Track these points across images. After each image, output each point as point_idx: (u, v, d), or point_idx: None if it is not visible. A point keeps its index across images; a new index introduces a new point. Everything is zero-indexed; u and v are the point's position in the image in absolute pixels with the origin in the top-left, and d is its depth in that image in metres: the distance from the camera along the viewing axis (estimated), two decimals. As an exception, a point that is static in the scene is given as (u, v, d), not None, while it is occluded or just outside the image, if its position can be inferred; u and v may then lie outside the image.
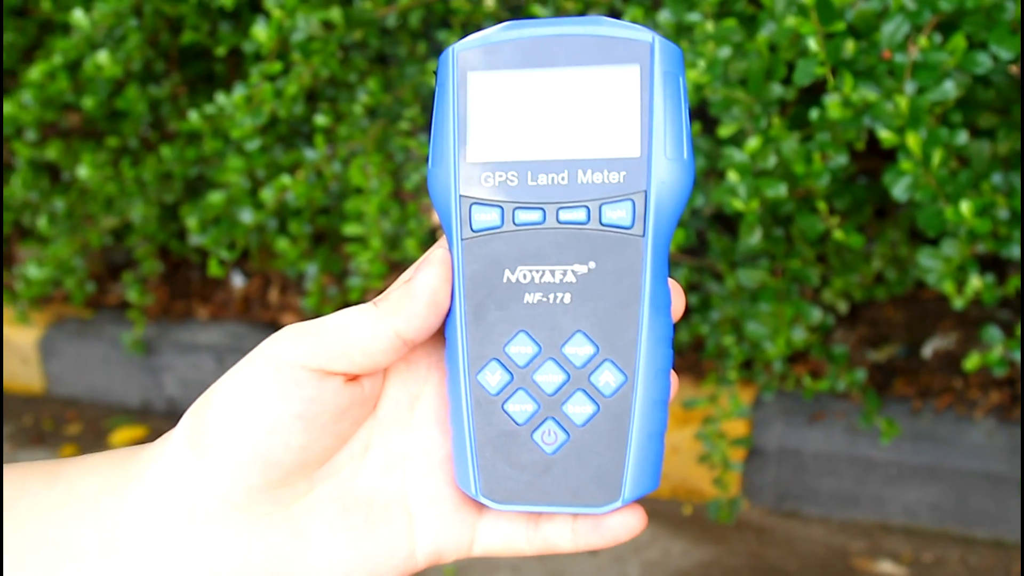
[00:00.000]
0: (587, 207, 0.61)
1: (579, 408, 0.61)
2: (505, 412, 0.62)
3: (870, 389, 2.06)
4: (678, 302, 0.63)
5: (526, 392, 0.62)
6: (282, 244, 2.16)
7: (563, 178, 0.61)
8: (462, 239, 0.62)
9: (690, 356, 2.36)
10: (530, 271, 0.62)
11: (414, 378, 0.65)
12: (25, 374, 2.87)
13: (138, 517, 0.60)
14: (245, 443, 0.59)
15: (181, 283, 2.93)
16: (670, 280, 0.62)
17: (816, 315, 1.89)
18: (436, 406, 0.65)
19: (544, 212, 0.61)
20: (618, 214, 0.60)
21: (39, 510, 0.61)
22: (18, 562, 0.60)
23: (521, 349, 0.62)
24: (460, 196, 0.62)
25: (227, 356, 2.63)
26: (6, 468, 0.64)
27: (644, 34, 0.61)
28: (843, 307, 2.08)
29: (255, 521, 0.60)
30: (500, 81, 0.62)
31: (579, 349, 0.61)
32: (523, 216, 0.62)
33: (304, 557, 0.61)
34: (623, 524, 0.62)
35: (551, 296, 0.62)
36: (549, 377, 0.62)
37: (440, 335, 0.65)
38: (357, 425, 0.63)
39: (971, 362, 1.72)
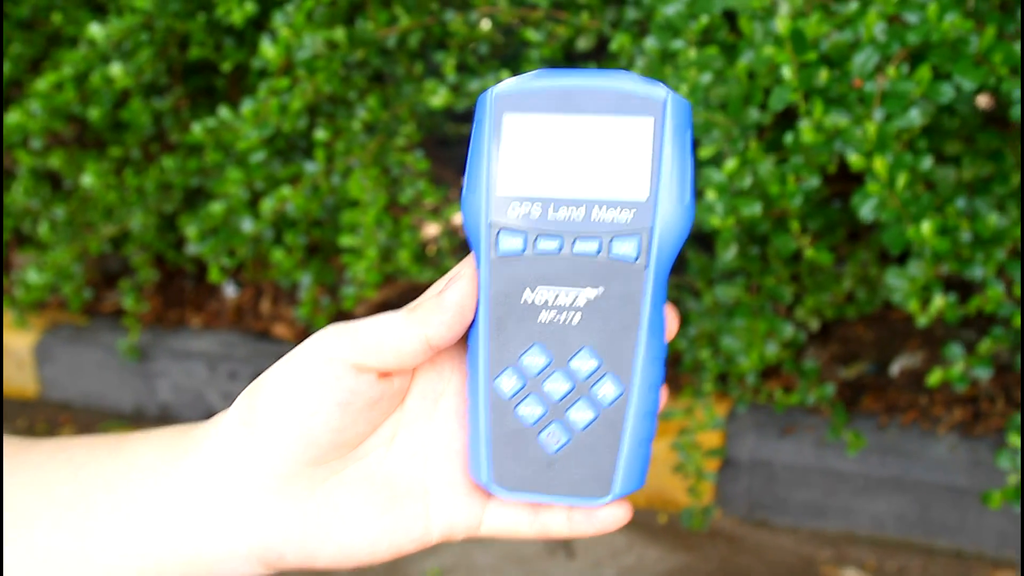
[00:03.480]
0: (599, 240, 0.69)
1: (581, 414, 0.70)
2: (516, 414, 0.70)
3: (838, 403, 2.14)
4: (672, 326, 0.71)
5: (536, 397, 0.70)
6: (277, 254, 2.23)
7: (580, 213, 0.69)
8: (489, 260, 0.70)
9: (667, 370, 2.43)
10: (546, 292, 0.70)
11: (438, 378, 0.74)
12: (20, 378, 2.92)
13: (194, 485, 0.69)
14: (291, 423, 0.68)
15: (175, 292, 2.99)
16: (667, 306, 0.70)
17: (788, 331, 1.98)
18: (456, 403, 0.73)
19: (562, 242, 0.69)
20: (625, 248, 0.68)
21: (103, 478, 0.70)
22: (89, 523, 0.69)
23: (534, 360, 0.70)
24: (489, 223, 0.70)
25: (219, 364, 2.69)
26: (74, 439, 0.74)
27: (659, 91, 0.69)
28: (815, 324, 2.16)
29: (295, 492, 0.69)
30: (531, 123, 0.70)
31: (584, 363, 0.69)
32: (543, 244, 0.69)
33: (335, 526, 0.70)
34: (612, 516, 0.71)
35: (563, 315, 0.69)
36: (557, 385, 0.70)
37: (463, 342, 0.73)
38: (387, 415, 0.72)
39: (933, 377, 1.81)
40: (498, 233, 0.70)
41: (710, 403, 2.13)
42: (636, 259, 0.69)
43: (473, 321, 0.71)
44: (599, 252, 0.69)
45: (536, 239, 0.70)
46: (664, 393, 0.72)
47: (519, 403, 0.71)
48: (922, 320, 1.73)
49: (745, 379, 2.19)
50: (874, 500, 2.20)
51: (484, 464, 0.71)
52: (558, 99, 0.70)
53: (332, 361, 0.68)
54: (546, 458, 0.71)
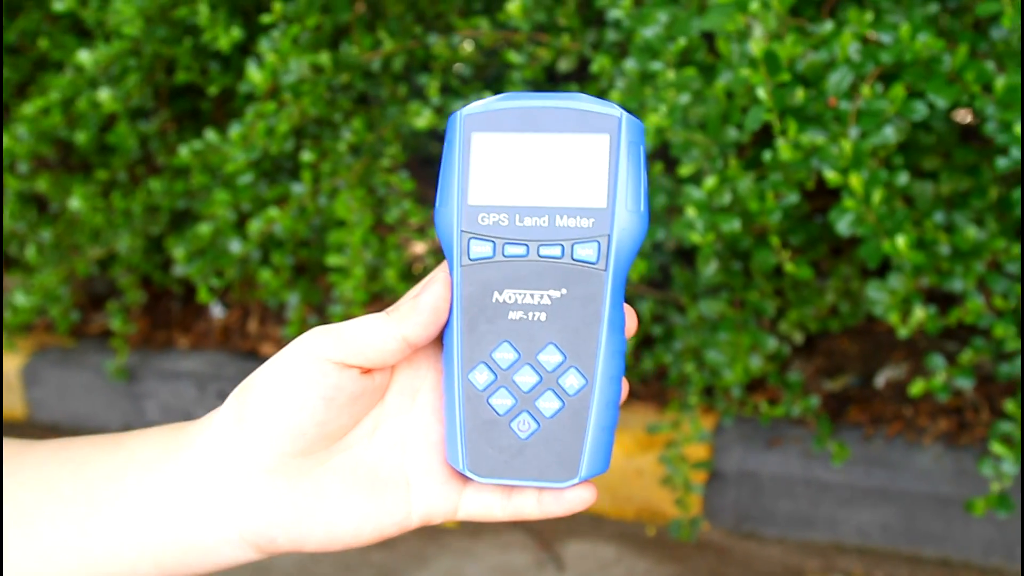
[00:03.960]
0: (562, 245, 0.76)
1: (548, 404, 0.76)
2: (489, 405, 0.77)
3: (823, 415, 2.19)
4: (631, 323, 0.79)
5: (507, 389, 0.77)
6: (265, 275, 2.27)
7: (544, 221, 0.76)
8: (461, 265, 0.77)
9: (654, 384, 2.48)
10: (514, 294, 0.77)
11: (415, 375, 0.81)
12: (8, 400, 2.96)
13: (191, 477, 0.76)
14: (280, 417, 0.74)
15: (162, 313, 3.03)
16: (625, 305, 0.78)
17: (772, 344, 2.03)
18: (432, 398, 0.80)
19: (528, 247, 0.76)
20: (586, 252, 0.75)
21: (104, 473, 0.77)
22: (91, 515, 0.75)
23: (504, 355, 0.77)
24: (461, 231, 0.77)
25: (207, 384, 2.73)
26: (74, 439, 0.80)
27: (614, 110, 0.76)
28: (799, 337, 2.20)
29: (285, 481, 0.75)
30: (497, 141, 0.77)
31: (551, 357, 0.76)
32: (511, 250, 0.76)
33: (322, 512, 0.76)
34: (579, 497, 0.77)
35: (530, 314, 0.77)
36: (526, 378, 0.77)
37: (438, 341, 0.80)
38: (368, 409, 0.78)
39: (916, 388, 1.86)
40: (469, 240, 0.77)
41: (696, 416, 2.18)
42: (596, 262, 0.76)
43: (447, 321, 0.77)
44: (562, 256, 0.76)
45: (504, 245, 0.77)
46: (625, 384, 0.79)
47: (491, 395, 0.77)
48: (903, 332, 1.78)
49: (731, 392, 2.24)
50: (860, 510, 2.24)
51: (460, 451, 0.77)
52: (522, 119, 0.77)
53: (317, 359, 0.74)
54: (517, 445, 0.77)
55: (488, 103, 0.78)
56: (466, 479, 0.80)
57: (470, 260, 0.77)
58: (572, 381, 0.77)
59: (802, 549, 2.27)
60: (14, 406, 2.98)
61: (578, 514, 2.40)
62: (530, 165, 0.77)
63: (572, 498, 0.78)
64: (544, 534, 2.37)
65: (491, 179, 0.78)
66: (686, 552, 2.30)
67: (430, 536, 2.38)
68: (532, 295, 0.77)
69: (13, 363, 2.94)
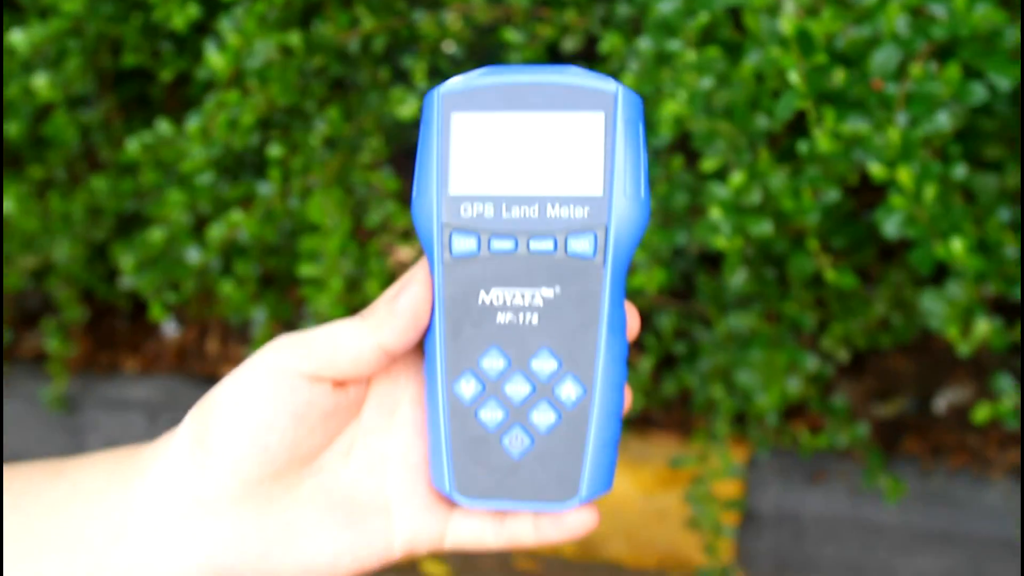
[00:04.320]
0: (555, 238, 0.79)
1: (543, 417, 0.80)
2: (477, 419, 0.81)
3: (873, 445, 2.22)
4: (633, 323, 0.83)
5: (497, 401, 0.80)
6: (227, 287, 2.30)
7: (534, 211, 0.80)
8: (442, 263, 0.80)
9: (677, 410, 2.51)
10: (503, 293, 0.80)
11: (394, 387, 0.85)
12: (-73, 435, 3.00)
13: (145, 509, 0.79)
14: (245, 438, 0.77)
15: (107, 332, 3.06)
16: (627, 303, 0.81)
17: (812, 363, 2.06)
18: (413, 414, 0.84)
19: (516, 241, 0.80)
20: (582, 245, 0.79)
21: (45, 504, 0.80)
22: (28, 555, 0.78)
23: (493, 363, 0.80)
24: (442, 224, 0.80)
25: (160, 413, 2.76)
26: (9, 466, 0.83)
27: (609, 84, 0.80)
28: (843, 355, 2.22)
29: (251, 511, 0.78)
30: (480, 122, 0.81)
31: (544, 364, 0.80)
32: (498, 244, 0.80)
33: (293, 544, 0.79)
34: (579, 521, 0.81)
35: (521, 316, 0.80)
36: (517, 388, 0.80)
37: (419, 349, 0.84)
38: (343, 427, 0.82)
39: (980, 414, 1.88)
40: (451, 234, 0.80)
41: (726, 448, 2.19)
42: (593, 256, 0.79)
43: (429, 326, 0.81)
44: (555, 250, 0.80)
45: (490, 239, 0.80)
46: (628, 393, 0.83)
47: (479, 408, 0.81)
48: (963, 348, 1.80)
49: (766, 420, 2.25)
50: (919, 556, 2.27)
51: (446, 472, 0.81)
52: (506, 97, 0.81)
53: (285, 372, 0.78)
54: (510, 464, 0.81)
55: (468, 79, 0.81)
56: (453, 503, 0.83)
57: (452, 257, 0.80)
58: (569, 391, 0.80)
59: (851, 601, 2.30)
60: None
61: (591, 563, 2.44)
62: (517, 149, 0.81)
63: (572, 522, 0.81)
64: (552, 586, 2.40)
65: (474, 165, 0.81)
66: (716, 605, 2.32)
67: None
68: (522, 295, 0.80)
69: (-66, 391, 2.96)
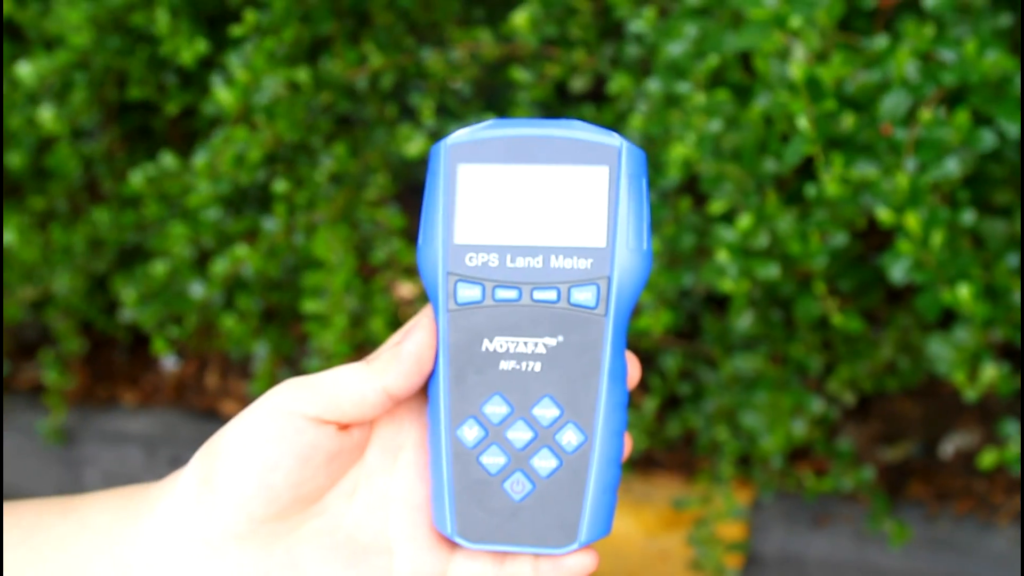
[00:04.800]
0: (558, 288, 0.82)
1: (544, 462, 0.83)
2: (479, 463, 0.83)
3: (879, 489, 2.23)
4: (634, 372, 0.86)
5: (499, 447, 0.83)
6: (228, 322, 2.31)
7: (538, 262, 0.82)
8: (447, 310, 0.83)
9: (681, 451, 2.51)
10: (506, 341, 0.83)
11: (398, 431, 0.87)
12: (-78, 466, 3.00)
13: (151, 547, 0.81)
14: (251, 478, 0.80)
15: (105, 365, 3.07)
16: (628, 353, 0.84)
17: (818, 406, 2.07)
18: (416, 456, 0.87)
19: (520, 291, 0.83)
20: (584, 296, 0.82)
21: (54, 540, 0.82)
22: None
23: (496, 409, 0.83)
24: (447, 273, 0.83)
25: (158, 448, 2.75)
26: (20, 503, 0.85)
27: (614, 139, 0.82)
28: (849, 398, 2.24)
29: (256, 550, 0.81)
30: (486, 173, 0.83)
31: (546, 411, 0.82)
32: (502, 293, 0.83)
33: None
34: (579, 564, 0.83)
35: (524, 364, 0.83)
36: (519, 434, 0.83)
37: (422, 394, 0.86)
38: (347, 468, 0.85)
39: (986, 459, 1.89)
40: (456, 283, 0.83)
41: (730, 490, 2.21)
42: (595, 307, 0.82)
43: (433, 371, 0.84)
44: (558, 300, 0.82)
45: (494, 288, 0.83)
46: (628, 440, 0.86)
47: (482, 452, 0.83)
48: (970, 394, 1.82)
49: (770, 462, 2.27)
50: None
51: (448, 515, 0.83)
52: (512, 149, 0.83)
53: (291, 415, 0.80)
54: (511, 507, 0.83)
55: (475, 131, 0.84)
56: (455, 545, 0.85)
57: (457, 304, 0.83)
58: (570, 437, 0.82)
59: (854, 646, 2.30)
60: None
61: None
62: (522, 200, 0.83)
63: (572, 565, 0.84)
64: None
65: (479, 215, 0.83)
66: (718, 649, 2.33)
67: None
68: (525, 343, 0.83)
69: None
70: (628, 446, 0.86)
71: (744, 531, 2.36)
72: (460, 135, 0.84)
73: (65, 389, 2.84)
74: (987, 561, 2.24)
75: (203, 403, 2.93)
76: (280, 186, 2.19)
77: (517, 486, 0.82)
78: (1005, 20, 1.77)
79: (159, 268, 2.29)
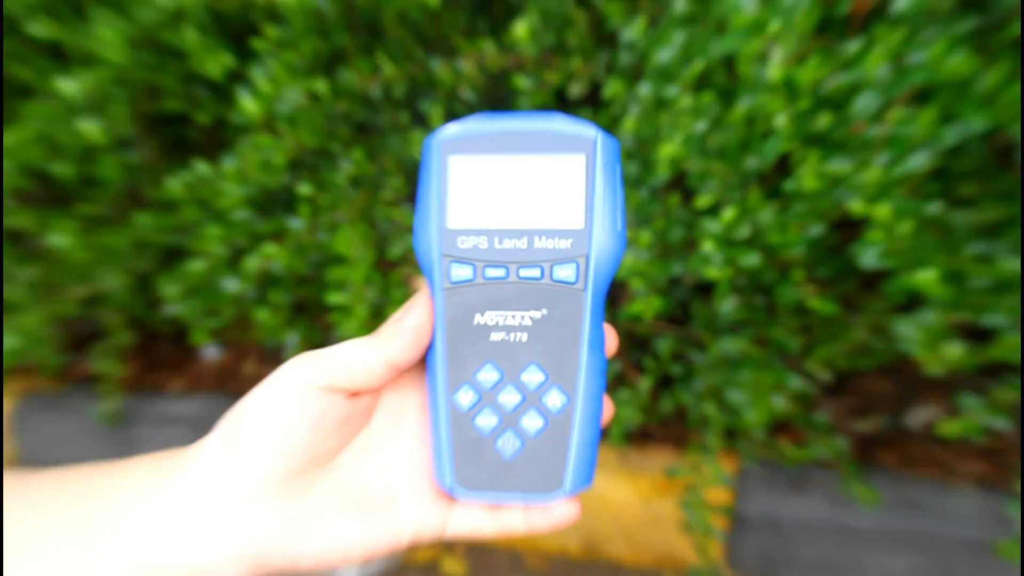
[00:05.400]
0: (541, 266, 0.81)
1: (532, 422, 0.81)
2: (474, 424, 0.82)
3: (851, 457, 2.20)
4: (611, 341, 0.84)
5: (491, 409, 0.82)
6: (262, 314, 2.28)
7: (523, 243, 0.81)
8: (442, 288, 0.82)
9: (673, 425, 2.49)
10: (496, 315, 0.82)
11: (401, 398, 0.87)
12: (-3, 446, 2.99)
13: (185, 502, 0.80)
14: (270, 442, 0.79)
15: (153, 355, 3.05)
16: (605, 324, 0.82)
17: (796, 383, 2.03)
18: (418, 420, 0.86)
19: (507, 269, 0.81)
20: (565, 272, 0.80)
21: (100, 500, 0.81)
22: (89, 544, 0.79)
23: (488, 376, 0.82)
24: (441, 255, 0.82)
25: (202, 428, 2.71)
26: (68, 469, 0.85)
27: (589, 130, 0.81)
28: (826, 376, 2.20)
29: (277, 503, 0.80)
30: (474, 164, 0.82)
31: (533, 376, 0.81)
32: (491, 272, 0.81)
33: (315, 531, 0.81)
34: (565, 512, 0.83)
35: (512, 335, 0.81)
36: (509, 397, 0.82)
37: (422, 364, 0.86)
38: (356, 432, 0.84)
39: (947, 428, 1.86)
40: (449, 264, 0.82)
41: (717, 459, 2.18)
42: (575, 282, 0.81)
43: (431, 344, 0.83)
44: (542, 277, 0.82)
45: (484, 268, 0.82)
46: (608, 402, 0.85)
47: (476, 415, 0.83)
48: (935, 370, 1.78)
49: (753, 434, 2.25)
50: (891, 556, 2.25)
51: (447, 470, 0.83)
52: (498, 141, 0.82)
53: (304, 385, 0.80)
54: (503, 463, 0.83)
55: (464, 126, 0.83)
56: (454, 497, 0.85)
57: (451, 283, 0.83)
58: (555, 399, 0.82)
59: (831, 599, 2.27)
60: (8, 454, 3.01)
61: (594, 562, 2.43)
62: (507, 187, 0.82)
63: (558, 513, 0.84)
64: (558, 585, 2.39)
65: (469, 202, 0.83)
66: (708, 604, 2.29)
67: (437, 589, 2.41)
68: (513, 316, 0.82)
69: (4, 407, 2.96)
70: (608, 407, 0.87)
71: (730, 496, 2.34)
72: (450, 129, 0.84)
73: (118, 378, 2.82)
74: (948, 520, 2.21)
75: (241, 388, 2.91)
76: (304, 189, 2.16)
77: (508, 444, 0.83)
78: (970, 24, 1.71)
79: (197, 266, 2.25)
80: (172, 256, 2.64)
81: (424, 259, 0.83)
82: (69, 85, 2.11)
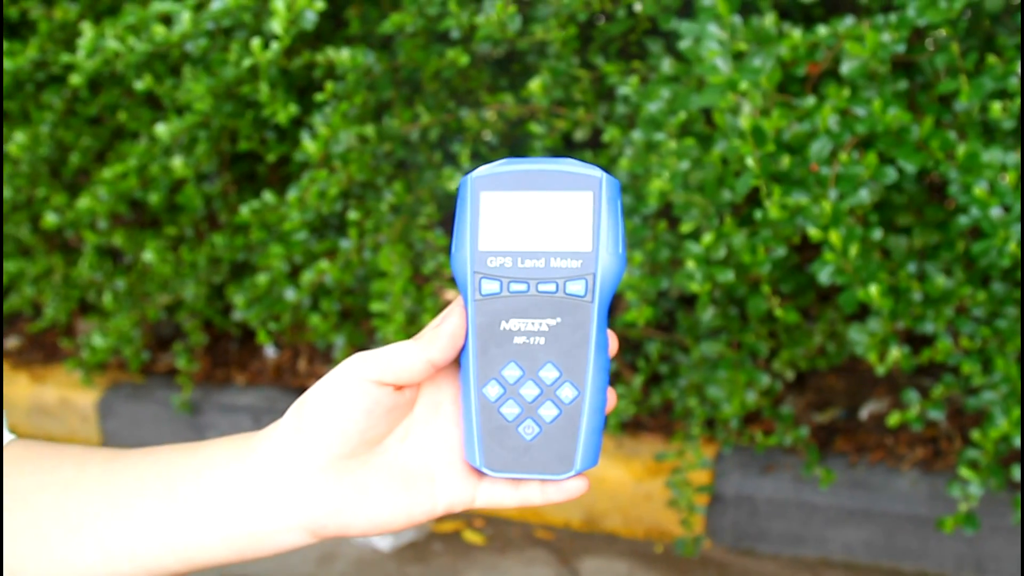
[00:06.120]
0: (556, 282, 0.83)
1: (548, 411, 0.84)
2: (500, 413, 0.84)
3: (812, 444, 2.23)
4: (613, 344, 0.86)
5: (514, 400, 0.84)
6: (314, 320, 2.33)
7: (541, 263, 0.83)
8: (474, 300, 0.84)
9: (661, 417, 2.52)
10: (518, 322, 0.84)
11: (438, 391, 0.88)
12: (84, 431, 3.03)
13: (258, 475, 0.83)
14: (330, 426, 0.82)
15: (222, 353, 3.09)
16: (608, 330, 0.85)
17: (765, 380, 2.08)
18: (452, 409, 0.88)
19: (528, 284, 0.83)
20: (576, 287, 0.83)
21: (186, 473, 0.84)
22: (176, 508, 0.83)
23: (511, 372, 0.84)
24: (473, 272, 0.84)
25: (262, 416, 2.77)
26: (158, 448, 0.88)
27: (595, 172, 0.84)
28: (790, 375, 2.25)
29: (334, 478, 0.83)
30: (501, 198, 0.84)
31: (549, 373, 0.83)
32: (515, 287, 0.83)
33: (364, 503, 0.83)
34: (575, 486, 0.85)
35: (532, 339, 0.84)
36: (529, 391, 0.84)
37: (456, 363, 0.88)
38: (401, 419, 0.86)
39: (892, 419, 1.91)
40: (480, 280, 0.84)
41: (699, 445, 2.22)
42: (584, 295, 0.83)
43: (464, 346, 0.84)
44: (557, 291, 0.83)
45: (509, 283, 0.84)
46: (611, 394, 0.86)
47: (501, 405, 0.84)
48: (880, 369, 1.83)
49: (729, 424, 2.29)
50: (846, 529, 2.28)
51: (477, 451, 0.84)
52: (521, 179, 0.84)
53: (359, 379, 0.81)
54: (523, 445, 0.84)
55: (493, 167, 0.85)
56: (481, 474, 0.87)
57: (481, 296, 0.84)
58: (567, 392, 0.83)
59: (794, 564, 2.31)
60: (91, 436, 3.04)
61: (593, 533, 2.44)
62: (528, 217, 0.84)
63: (570, 487, 0.85)
64: (564, 551, 2.42)
65: (497, 229, 0.84)
66: (690, 567, 2.34)
67: (461, 553, 2.43)
68: (533, 323, 0.83)
69: (90, 398, 3.01)
70: (612, 399, 0.88)
71: (710, 477, 2.36)
72: (482, 170, 0.85)
73: (192, 372, 2.87)
74: (893, 497, 2.24)
75: (296, 383, 2.95)
76: (353, 215, 2.22)
77: (528, 429, 0.84)
78: (903, 84, 1.78)
79: (261, 279, 2.31)
80: (241, 270, 2.71)
81: (459, 275, 0.84)
82: (163, 129, 2.19)
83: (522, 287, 0.84)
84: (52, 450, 0.89)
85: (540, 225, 0.84)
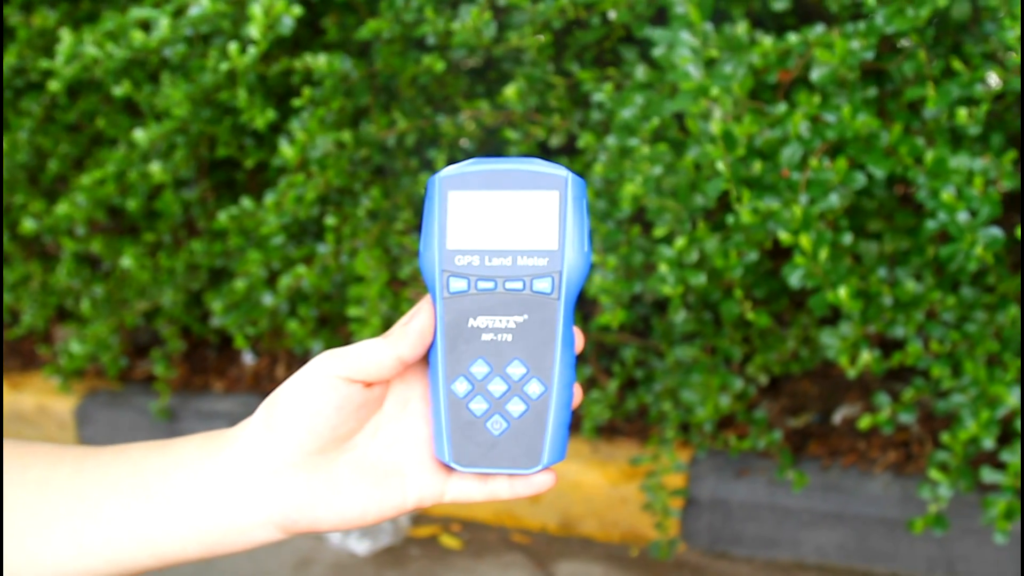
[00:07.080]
0: (523, 280, 0.85)
1: (516, 407, 0.85)
2: (468, 409, 0.85)
3: (786, 448, 2.24)
4: (579, 341, 0.88)
5: (482, 396, 0.85)
6: (292, 325, 2.35)
7: (508, 261, 0.85)
8: (442, 298, 0.85)
9: (636, 421, 2.53)
10: (486, 319, 0.85)
11: (407, 387, 0.90)
12: (62, 438, 3.03)
13: (229, 471, 0.84)
14: (301, 422, 0.83)
15: (199, 360, 3.09)
16: (574, 327, 0.87)
17: (739, 385, 2.09)
18: (421, 405, 0.89)
19: (496, 282, 0.85)
20: (543, 285, 0.84)
21: (158, 470, 0.85)
22: (147, 505, 0.84)
23: (479, 369, 0.85)
24: (442, 270, 0.85)
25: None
26: (130, 445, 0.88)
27: (561, 171, 0.85)
28: (764, 379, 2.25)
29: (304, 474, 0.84)
30: (469, 197, 0.86)
31: (516, 369, 0.85)
32: (482, 284, 0.85)
33: (335, 498, 0.85)
34: (542, 480, 0.87)
35: (499, 335, 0.85)
36: (497, 387, 0.85)
37: (424, 360, 0.89)
38: (370, 415, 0.87)
39: (863, 422, 1.93)
40: (448, 278, 0.85)
41: (673, 449, 2.23)
42: (551, 293, 0.84)
43: (432, 343, 0.86)
44: (524, 289, 0.85)
45: (477, 281, 0.85)
46: (578, 390, 0.88)
47: (469, 401, 0.85)
48: (851, 373, 1.85)
49: (704, 428, 2.30)
50: (819, 532, 2.30)
51: (446, 447, 0.86)
52: (488, 179, 0.86)
53: (329, 376, 0.83)
54: (491, 440, 0.86)
55: (461, 167, 0.86)
56: (450, 469, 0.88)
57: (449, 293, 0.85)
58: (534, 388, 0.85)
59: (768, 567, 2.33)
60: (68, 443, 2.96)
61: (570, 537, 2.45)
62: (495, 216, 0.85)
63: (537, 482, 0.87)
64: (540, 555, 2.43)
65: (465, 228, 0.86)
66: (665, 570, 2.35)
67: (438, 557, 2.44)
68: (500, 320, 0.85)
69: (67, 405, 3.00)
70: (578, 394, 0.89)
71: (684, 481, 2.37)
72: (449, 170, 0.87)
73: (170, 379, 2.87)
74: (866, 501, 2.26)
75: (274, 389, 2.93)
76: (330, 220, 2.23)
77: (496, 425, 0.85)
78: (872, 91, 1.80)
79: (239, 284, 2.32)
80: (219, 277, 2.72)
81: (428, 273, 0.85)
82: (141, 135, 2.20)
83: (490, 285, 0.85)
84: (24, 448, 0.89)
85: (507, 224, 0.85)
